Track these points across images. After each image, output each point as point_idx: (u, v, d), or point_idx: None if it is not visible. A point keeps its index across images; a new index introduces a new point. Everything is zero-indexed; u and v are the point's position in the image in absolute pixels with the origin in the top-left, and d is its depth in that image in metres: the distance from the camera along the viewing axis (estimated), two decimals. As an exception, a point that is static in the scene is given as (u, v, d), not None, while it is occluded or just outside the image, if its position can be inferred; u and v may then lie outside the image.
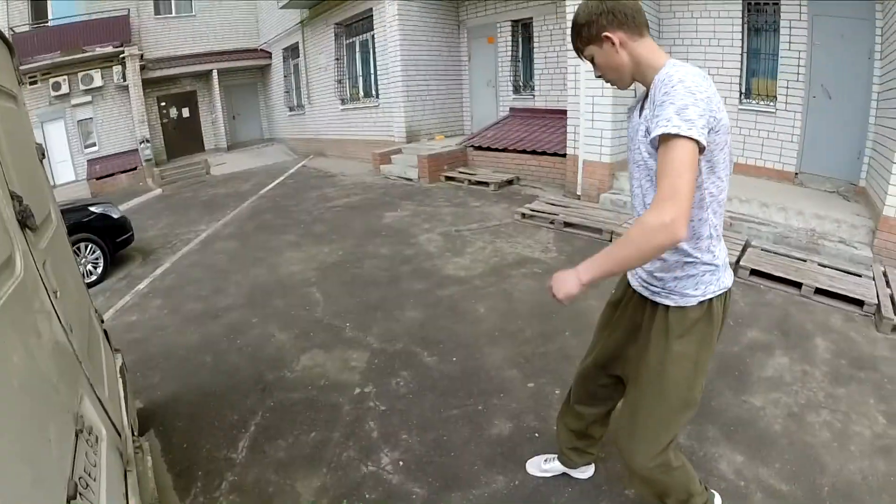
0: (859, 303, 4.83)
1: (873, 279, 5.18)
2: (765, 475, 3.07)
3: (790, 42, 7.56)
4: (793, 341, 4.44)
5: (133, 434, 2.79)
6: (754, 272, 5.60)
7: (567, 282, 1.82)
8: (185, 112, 20.61)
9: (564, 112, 9.30)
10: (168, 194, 13.59)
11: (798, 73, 7.59)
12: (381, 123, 13.99)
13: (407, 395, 3.96)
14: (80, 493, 1.63)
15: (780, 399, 3.74)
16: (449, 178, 11.09)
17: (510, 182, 10.50)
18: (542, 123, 11.23)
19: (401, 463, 3.30)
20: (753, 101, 8.26)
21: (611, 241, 6.98)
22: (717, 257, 1.92)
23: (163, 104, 19.93)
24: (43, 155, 2.98)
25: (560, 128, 9.88)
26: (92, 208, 7.59)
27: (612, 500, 2.95)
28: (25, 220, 1.99)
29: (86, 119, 17.97)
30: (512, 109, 12.52)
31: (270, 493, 3.09)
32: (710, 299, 1.92)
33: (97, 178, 16.83)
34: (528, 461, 3.17)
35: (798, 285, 5.21)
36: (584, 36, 1.92)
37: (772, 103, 7.98)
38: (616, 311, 2.32)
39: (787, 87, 7.74)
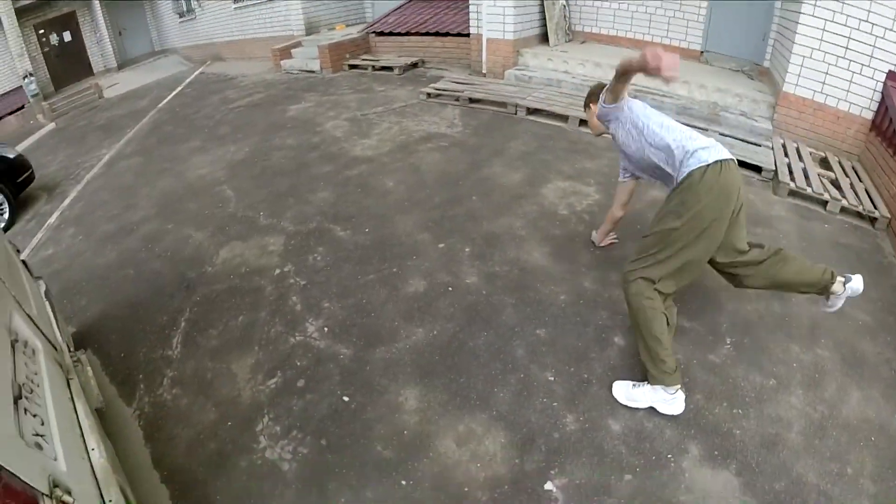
0: (758, 169, 5.20)
1: (772, 149, 5.51)
2: (669, 315, 3.41)
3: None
4: (692, 200, 4.73)
5: (70, 349, 2.89)
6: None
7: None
8: (67, 36, 18.73)
9: (467, -8, 9.10)
10: (62, 126, 12.75)
11: (707, -46, 7.57)
12: (279, 18, 13.33)
13: (325, 269, 4.14)
14: (26, 396, 1.78)
15: (680, 250, 4.06)
16: (353, 67, 10.88)
17: (415, 65, 10.40)
18: (445, 5, 10.99)
19: (325, 329, 3.53)
20: (661, -21, 8.27)
21: (515, 113, 7.20)
22: (688, 151, 2.73)
23: (41, 32, 17.96)
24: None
25: (463, 8, 9.74)
26: None
27: (523, 340, 3.31)
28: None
29: (-40, 64, 16.33)
30: (413, -7, 12.09)
31: (209, 379, 3.29)
32: (689, 173, 2.68)
33: (-17, 127, 15.53)
34: None
35: (699, 151, 5.53)
36: (585, 102, 3.50)
37: (678, -18, 8.00)
38: None
39: (695, -32, 7.74)
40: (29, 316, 2.39)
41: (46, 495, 1.46)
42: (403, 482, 2.55)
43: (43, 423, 1.82)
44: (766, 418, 2.75)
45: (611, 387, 2.94)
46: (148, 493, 2.60)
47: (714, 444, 2.63)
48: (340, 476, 2.60)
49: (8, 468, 1.33)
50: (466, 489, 2.50)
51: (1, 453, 1.36)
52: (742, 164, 5.20)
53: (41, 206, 7.20)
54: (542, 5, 8.93)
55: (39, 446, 1.66)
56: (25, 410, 1.72)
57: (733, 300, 3.51)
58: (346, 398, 3.01)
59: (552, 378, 3.03)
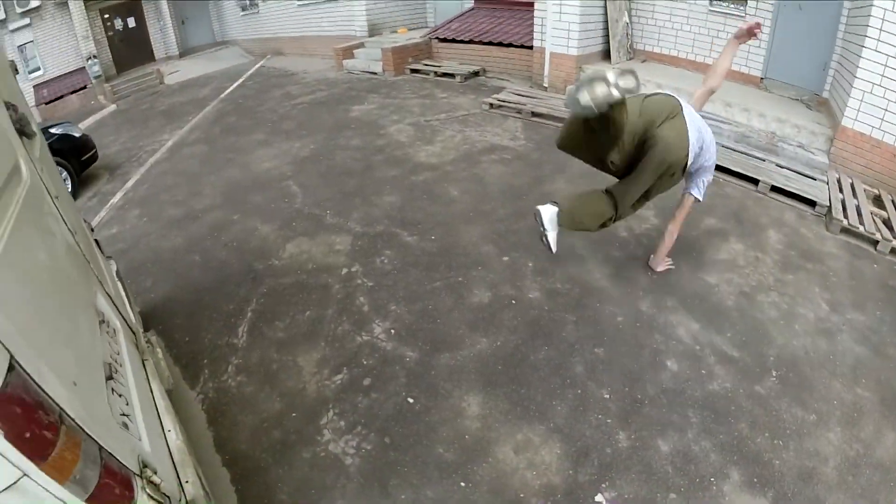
0: (812, 203, 5.13)
1: (827, 183, 5.45)
2: (718, 342, 3.49)
3: (765, -51, 7.36)
4: (747, 231, 4.76)
5: (142, 331, 3.01)
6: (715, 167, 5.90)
7: None
8: (131, 22, 19.20)
9: (531, 4, 9.18)
10: (124, 109, 13.13)
11: (771, -20, 7.50)
12: (342, 18, 13.54)
13: (392, 272, 4.25)
14: (113, 376, 1.83)
15: (732, 279, 4.10)
16: (414, 71, 10.97)
17: (476, 74, 10.46)
18: (509, 15, 10.99)
19: (392, 331, 3.64)
20: (724, 4, 8.15)
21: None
22: None
23: (106, 16, 18.44)
24: (16, 70, 2.93)
25: (527, 20, 9.75)
26: (52, 129, 7.33)
27: (582, 357, 3.38)
28: (23, 128, 2.02)
29: (26, 43, 16.69)
30: (477, 1, 12.12)
31: (275, 370, 3.40)
32: None
33: (46, 103, 15.77)
34: None
35: (755, 181, 5.50)
36: None
37: (742, 7, 7.91)
38: None
39: (759, -7, 7.66)
40: (108, 295, 2.44)
41: (137, 475, 1.50)
42: (463, 484, 2.64)
43: (128, 404, 1.86)
44: (804, 451, 2.81)
45: (663, 407, 3.05)
46: (209, 475, 2.65)
47: (754, 471, 2.69)
48: (402, 474, 2.70)
49: (107, 449, 1.35)
50: (522, 495, 2.58)
51: (101, 434, 1.36)
52: (797, 197, 5.23)
53: (102, 186, 7.42)
54: (605, 22, 8.96)
55: (126, 426, 1.70)
56: (112, 390, 1.75)
57: (782, 334, 3.55)
58: (410, 399, 3.11)
59: (607, 396, 3.11)
